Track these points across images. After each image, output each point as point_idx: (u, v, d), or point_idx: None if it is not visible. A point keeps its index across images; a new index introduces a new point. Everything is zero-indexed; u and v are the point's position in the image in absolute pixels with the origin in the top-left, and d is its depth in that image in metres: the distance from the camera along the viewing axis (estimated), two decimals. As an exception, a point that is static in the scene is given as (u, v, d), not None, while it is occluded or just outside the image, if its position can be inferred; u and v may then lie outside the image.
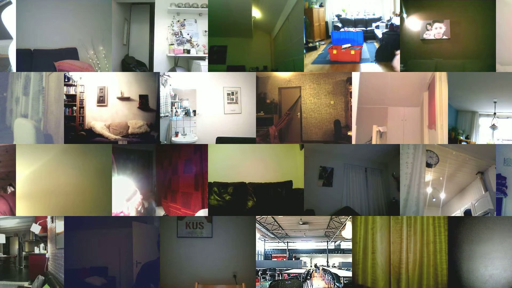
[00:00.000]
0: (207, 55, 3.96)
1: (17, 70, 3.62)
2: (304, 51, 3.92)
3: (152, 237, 3.67)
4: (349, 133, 3.79)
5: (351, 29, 4.32)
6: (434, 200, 3.60)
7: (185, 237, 3.71)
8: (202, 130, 4.37)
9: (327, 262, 3.93)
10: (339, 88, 4.03)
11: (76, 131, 3.88)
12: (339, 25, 4.48)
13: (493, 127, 3.70)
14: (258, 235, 3.71)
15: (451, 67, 3.59)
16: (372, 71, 3.78)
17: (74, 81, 3.89)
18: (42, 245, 4.02)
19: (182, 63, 4.38)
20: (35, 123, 3.60)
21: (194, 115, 4.33)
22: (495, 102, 3.68)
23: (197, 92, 4.32)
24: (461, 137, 3.66)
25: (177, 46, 4.27)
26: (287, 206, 3.66)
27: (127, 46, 4.32)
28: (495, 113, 3.69)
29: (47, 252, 3.97)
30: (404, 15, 3.69)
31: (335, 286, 3.74)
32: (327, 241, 3.91)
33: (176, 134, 4.27)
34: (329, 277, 3.86)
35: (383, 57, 3.85)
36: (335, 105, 4.03)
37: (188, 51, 4.30)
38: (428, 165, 3.59)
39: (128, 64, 4.11)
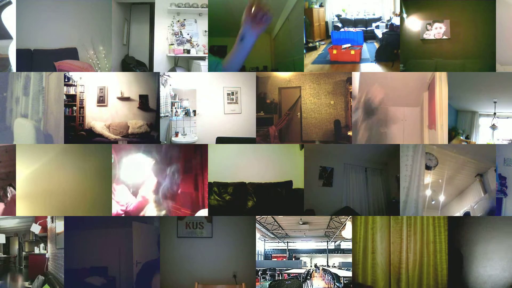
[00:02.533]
0: (207, 55, 3.96)
1: (17, 70, 3.63)
2: (304, 51, 3.92)
3: (152, 237, 3.67)
4: (349, 133, 3.79)
5: (351, 29, 4.32)
6: (433, 202, 3.60)
7: (185, 237, 3.71)
8: (202, 130, 4.37)
9: (327, 262, 3.93)
10: (339, 88, 4.03)
11: (76, 131, 3.88)
12: (339, 25, 4.48)
13: (493, 127, 3.70)
14: (258, 235, 3.71)
15: (451, 67, 3.59)
16: (372, 71, 3.78)
17: (74, 81, 3.89)
18: (42, 245, 4.02)
19: (182, 63, 4.38)
20: (35, 123, 3.61)
21: (194, 115, 4.33)
22: (495, 102, 3.68)
23: (197, 92, 4.32)
24: (461, 137, 3.66)
25: (177, 46, 4.27)
26: (287, 206, 3.66)
27: (127, 46, 4.32)
28: (495, 113, 3.69)
29: (47, 252, 3.97)
30: (404, 15, 3.69)
31: (335, 286, 3.74)
32: (327, 241, 3.91)
33: (176, 134, 4.27)
34: (329, 277, 3.86)
35: (383, 57, 3.86)
36: (335, 105, 4.03)
37: (188, 51, 4.30)
38: (427, 168, 3.59)
39: (128, 64, 4.11)
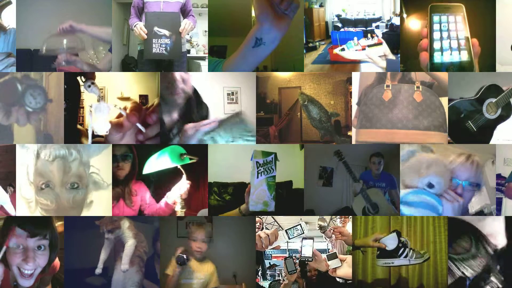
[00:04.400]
0: (207, 55, 3.95)
1: (17, 70, 3.62)
2: (304, 51, 3.92)
3: (151, 237, 3.68)
4: (349, 133, 3.79)
5: (351, 29, 4.32)
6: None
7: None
8: (202, 130, 4.36)
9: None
10: (339, 88, 4.03)
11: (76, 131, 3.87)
12: (339, 25, 4.47)
13: (493, 127, 3.69)
14: (258, 235, 3.70)
15: (451, 67, 3.59)
16: (372, 71, 3.79)
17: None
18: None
19: (182, 63, 4.37)
20: (35, 123, 3.60)
21: (194, 115, 4.32)
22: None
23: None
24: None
25: (177, 46, 4.26)
26: (287, 206, 3.66)
27: (127, 46, 4.31)
28: (495, 113, 3.69)
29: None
30: (404, 15, 3.69)
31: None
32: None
33: (176, 134, 4.26)
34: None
35: (383, 57, 3.85)
36: (335, 105, 4.03)
37: (188, 51, 4.30)
38: None
39: (128, 64, 4.10)
